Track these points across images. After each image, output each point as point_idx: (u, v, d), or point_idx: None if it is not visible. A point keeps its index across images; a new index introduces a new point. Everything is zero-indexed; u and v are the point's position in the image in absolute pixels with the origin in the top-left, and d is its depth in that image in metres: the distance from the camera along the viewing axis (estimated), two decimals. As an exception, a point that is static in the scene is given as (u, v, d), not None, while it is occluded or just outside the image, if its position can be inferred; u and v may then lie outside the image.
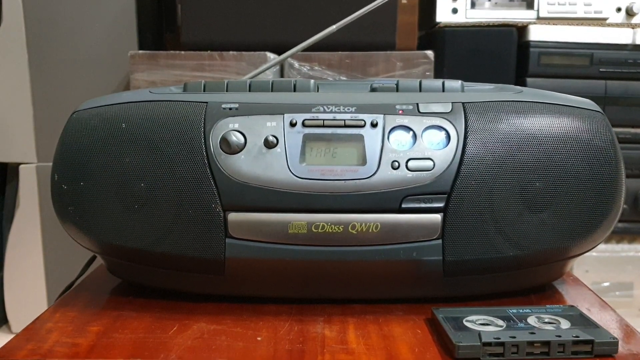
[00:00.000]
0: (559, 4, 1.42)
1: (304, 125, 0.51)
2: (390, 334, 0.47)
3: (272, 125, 0.51)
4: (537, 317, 0.47)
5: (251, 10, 1.28)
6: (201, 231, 0.50)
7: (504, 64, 1.42)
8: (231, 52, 1.25)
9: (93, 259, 0.64)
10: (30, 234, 1.46)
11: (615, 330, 0.47)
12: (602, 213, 0.51)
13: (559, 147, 0.50)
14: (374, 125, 0.50)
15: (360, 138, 0.50)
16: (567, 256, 0.53)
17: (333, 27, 0.73)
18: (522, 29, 1.44)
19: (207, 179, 0.49)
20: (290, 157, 0.50)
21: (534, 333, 0.43)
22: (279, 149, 0.50)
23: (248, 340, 0.46)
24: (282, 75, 1.29)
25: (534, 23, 1.43)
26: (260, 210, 0.49)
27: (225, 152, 0.50)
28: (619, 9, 1.45)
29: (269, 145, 0.50)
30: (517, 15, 1.44)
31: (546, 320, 0.46)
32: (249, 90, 0.55)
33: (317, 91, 0.57)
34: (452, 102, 0.52)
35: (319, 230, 0.49)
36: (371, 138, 0.50)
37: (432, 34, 1.49)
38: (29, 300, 1.48)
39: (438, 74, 1.35)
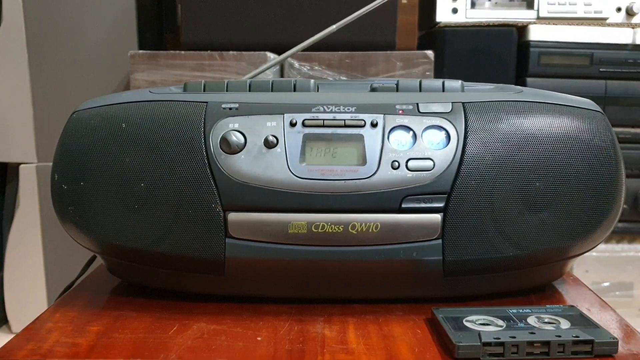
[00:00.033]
0: (559, 4, 1.42)
1: (304, 125, 0.51)
2: (390, 334, 0.47)
3: (272, 125, 0.51)
4: (537, 317, 0.47)
5: (251, 10, 1.28)
6: (201, 231, 0.50)
7: (504, 64, 1.42)
8: (231, 52, 1.25)
9: (93, 259, 0.64)
10: (30, 234, 1.46)
11: (615, 330, 0.47)
12: (602, 213, 0.51)
13: (559, 147, 0.50)
14: (374, 125, 0.50)
15: (360, 138, 0.50)
16: (567, 256, 0.53)
17: (333, 27, 0.73)
18: (522, 29, 1.44)
19: (207, 179, 0.49)
20: (290, 157, 0.50)
21: (534, 333, 0.43)
22: (279, 149, 0.50)
23: (248, 340, 0.46)
24: (282, 75, 1.29)
25: (534, 23, 1.43)
26: (260, 210, 0.49)
27: (225, 152, 0.50)
28: (619, 9, 1.45)
29: (269, 145, 0.50)
30: (517, 15, 1.44)
31: (546, 320, 0.46)
32: (249, 90, 0.55)
33: (317, 91, 0.57)
34: (452, 102, 0.52)
35: (319, 230, 0.49)
36: (371, 138, 0.50)
37: (432, 33, 1.49)
38: (29, 300, 1.48)
39: (438, 74, 1.35)
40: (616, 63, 1.42)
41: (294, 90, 0.56)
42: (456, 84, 0.56)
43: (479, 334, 0.43)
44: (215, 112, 0.51)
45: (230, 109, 0.51)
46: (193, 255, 0.50)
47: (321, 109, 0.51)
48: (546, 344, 0.42)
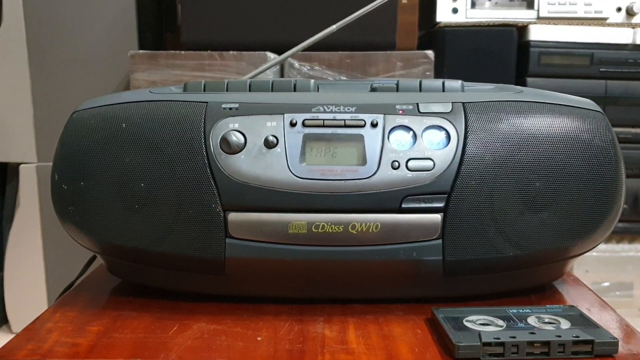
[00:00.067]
0: (559, 4, 1.42)
1: (304, 125, 0.51)
2: (390, 333, 0.47)
3: (272, 125, 0.51)
4: (537, 317, 0.47)
5: (251, 10, 1.28)
6: (201, 231, 0.50)
7: (504, 64, 1.42)
8: (231, 52, 1.25)
9: (93, 259, 0.64)
10: (30, 234, 1.46)
11: (615, 330, 0.47)
12: (602, 213, 0.51)
13: (559, 147, 0.50)
14: (374, 125, 0.50)
15: (360, 138, 0.50)
16: (567, 256, 0.53)
17: (333, 27, 0.73)
18: (522, 29, 1.44)
19: (207, 179, 0.49)
20: (291, 157, 0.50)
21: (534, 333, 0.43)
22: (279, 149, 0.50)
23: (248, 340, 0.46)
24: (282, 75, 1.29)
25: (534, 23, 1.43)
26: (261, 210, 0.49)
27: (226, 152, 0.50)
28: (619, 9, 1.45)
29: (269, 145, 0.50)
30: (517, 15, 1.44)
31: (546, 320, 0.46)
32: (249, 90, 0.55)
33: (317, 91, 0.57)
34: (452, 102, 0.52)
35: (319, 230, 0.49)
36: (371, 138, 0.50)
37: (432, 33, 1.49)
38: (29, 300, 1.48)
39: (438, 74, 1.35)
40: (616, 63, 1.42)
41: (294, 90, 0.56)
42: (456, 84, 0.56)
43: (479, 334, 0.43)
44: (216, 112, 0.51)
45: (230, 109, 0.51)
46: (193, 255, 0.50)
47: (321, 109, 0.51)
48: (546, 344, 0.42)
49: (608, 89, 1.42)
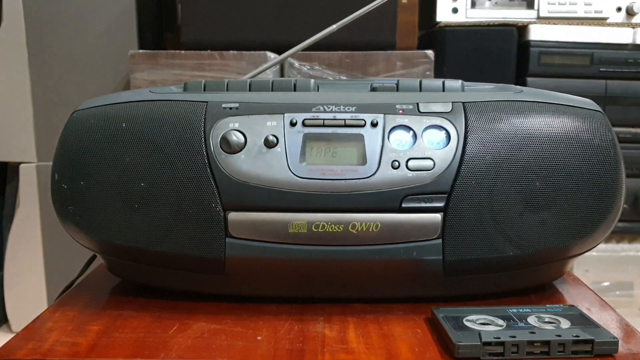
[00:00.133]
0: (559, 4, 1.42)
1: (304, 124, 0.51)
2: (390, 333, 0.47)
3: (272, 125, 0.51)
4: (537, 317, 0.47)
5: (251, 9, 1.28)
6: (201, 230, 0.50)
7: (504, 64, 1.42)
8: (231, 52, 1.25)
9: (93, 258, 0.64)
10: (30, 234, 1.46)
11: (615, 330, 0.47)
12: (602, 212, 0.51)
13: (559, 146, 0.50)
14: (374, 124, 0.50)
15: (360, 138, 0.50)
16: (567, 256, 0.53)
17: (333, 27, 0.73)
18: (522, 29, 1.44)
19: (207, 178, 0.49)
20: (291, 156, 0.50)
21: (534, 333, 0.43)
22: (279, 149, 0.50)
23: (248, 340, 0.46)
24: (282, 75, 1.29)
25: (534, 23, 1.43)
26: (261, 209, 0.49)
27: (226, 152, 0.50)
28: (619, 9, 1.45)
29: (269, 144, 0.50)
30: (517, 14, 1.44)
31: (546, 319, 0.46)
32: (249, 90, 0.55)
33: (317, 91, 0.57)
34: (452, 102, 0.52)
35: (319, 230, 0.49)
36: (371, 138, 0.50)
37: (432, 33, 1.49)
38: (29, 299, 1.48)
39: (438, 74, 1.35)
40: (616, 63, 1.42)
41: (294, 90, 0.56)
42: (456, 83, 0.56)
43: (479, 333, 0.43)
44: (216, 111, 0.51)
45: (230, 108, 0.51)
46: (193, 254, 0.50)
47: (321, 108, 0.51)
48: (546, 343, 0.42)
49: (608, 88, 1.42)
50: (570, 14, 1.43)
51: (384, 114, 0.51)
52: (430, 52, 1.28)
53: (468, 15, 1.44)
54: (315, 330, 0.48)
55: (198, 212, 0.49)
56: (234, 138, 0.50)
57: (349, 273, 0.51)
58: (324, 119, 0.51)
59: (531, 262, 0.52)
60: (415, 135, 0.50)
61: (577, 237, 0.51)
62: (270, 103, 0.52)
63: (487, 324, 0.46)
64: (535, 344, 0.42)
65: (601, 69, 1.42)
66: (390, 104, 0.52)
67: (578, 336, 0.43)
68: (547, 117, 0.51)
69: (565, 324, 0.46)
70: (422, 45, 1.45)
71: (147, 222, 0.50)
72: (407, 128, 0.51)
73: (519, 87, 0.57)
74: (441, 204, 0.49)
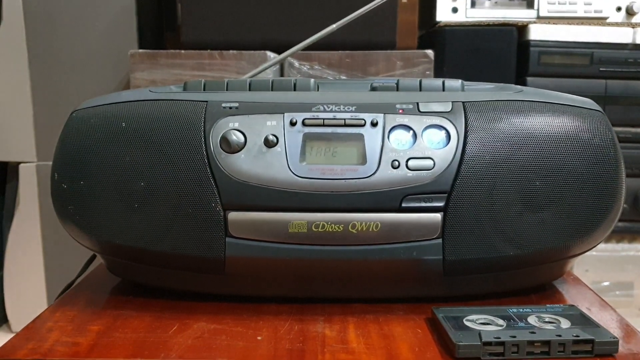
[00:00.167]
0: (559, 4, 1.42)
1: (304, 124, 0.51)
2: (391, 333, 0.47)
3: (272, 125, 0.51)
4: (537, 317, 0.47)
5: (251, 9, 1.28)
6: (201, 230, 0.50)
7: (504, 63, 1.42)
8: (231, 51, 1.25)
9: (93, 258, 0.64)
10: (30, 233, 1.46)
11: (615, 330, 0.47)
12: (603, 212, 0.51)
13: (559, 146, 0.50)
14: (374, 124, 0.50)
15: (360, 137, 0.50)
16: (567, 255, 0.53)
17: (333, 26, 0.73)
18: (522, 28, 1.44)
19: (207, 178, 0.49)
20: (291, 156, 0.50)
21: (535, 332, 0.43)
22: (279, 148, 0.50)
23: (248, 340, 0.46)
24: (282, 75, 1.29)
25: (534, 22, 1.43)
26: (261, 209, 0.49)
27: (225, 151, 0.50)
28: (619, 8, 1.45)
29: (269, 144, 0.50)
30: (517, 14, 1.44)
31: (546, 319, 0.46)
32: (249, 90, 0.55)
33: (317, 90, 0.57)
34: (452, 102, 0.52)
35: (319, 230, 0.49)
36: (371, 137, 0.50)
37: (432, 33, 1.49)
38: (29, 299, 1.48)
39: (438, 73, 1.35)
40: (616, 62, 1.42)
41: (294, 90, 0.56)
42: (456, 83, 0.56)
43: (479, 333, 0.43)
44: (215, 111, 0.51)
45: (230, 108, 0.51)
46: (193, 254, 0.50)
47: (321, 108, 0.51)
48: (546, 343, 0.42)
49: (608, 88, 1.42)
50: (570, 14, 1.43)
51: (384, 113, 0.51)
52: (430, 52, 1.28)
53: (468, 15, 1.44)
54: (315, 330, 0.48)
55: (198, 211, 0.49)
56: (234, 138, 0.50)
57: (349, 273, 0.51)
58: (324, 119, 0.51)
59: (531, 262, 0.52)
60: (415, 135, 0.50)
61: (577, 236, 0.51)
62: (270, 103, 0.52)
63: (488, 323, 0.46)
64: (535, 344, 0.42)
65: (601, 69, 1.42)
66: (390, 104, 0.52)
67: (578, 336, 0.43)
68: (547, 117, 0.51)
69: (565, 323, 0.46)
70: (422, 45, 1.45)
71: (147, 222, 0.50)
72: (407, 128, 0.50)
73: (519, 86, 0.57)
74: (441, 204, 0.49)
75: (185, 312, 0.51)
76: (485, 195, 0.49)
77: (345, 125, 0.51)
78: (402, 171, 0.49)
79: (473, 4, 1.44)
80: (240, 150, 0.50)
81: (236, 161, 0.50)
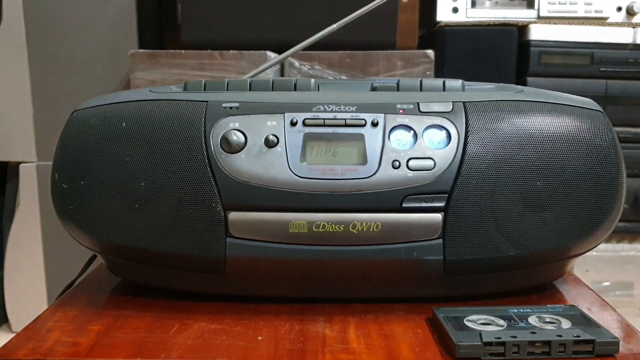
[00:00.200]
0: (559, 4, 1.42)
1: (304, 124, 0.51)
2: (391, 333, 0.47)
3: (272, 125, 0.51)
4: (538, 317, 0.47)
5: (251, 9, 1.28)
6: (202, 230, 0.50)
7: (505, 63, 1.42)
8: (231, 51, 1.25)
9: (93, 258, 0.64)
10: (30, 234, 1.46)
11: (616, 330, 0.47)
12: (603, 212, 0.51)
13: (559, 146, 0.50)
14: (374, 124, 0.50)
15: (360, 137, 0.50)
16: (567, 256, 0.53)
17: (333, 26, 0.73)
18: (522, 28, 1.44)
19: (208, 178, 0.49)
20: (291, 156, 0.50)
21: (535, 333, 0.43)
22: (279, 148, 0.50)
23: (249, 340, 0.46)
24: (282, 75, 1.29)
25: (535, 22, 1.43)
26: (261, 209, 0.49)
27: (226, 151, 0.50)
28: (619, 9, 1.45)
29: (269, 144, 0.50)
30: (517, 14, 1.44)
31: (547, 319, 0.46)
32: (250, 90, 0.55)
33: (318, 90, 0.57)
34: (452, 102, 0.52)
35: (320, 230, 0.49)
36: (372, 137, 0.50)
37: (432, 33, 1.49)
38: (29, 299, 1.48)
39: (438, 73, 1.35)
40: (617, 62, 1.42)
41: (295, 90, 0.56)
42: (457, 83, 0.55)
43: (479, 333, 0.43)
44: (216, 111, 0.51)
45: (230, 108, 0.51)
46: (193, 254, 0.50)
47: (322, 108, 0.51)
48: (547, 343, 0.42)
49: (608, 88, 1.42)
50: (571, 14, 1.43)
51: (385, 113, 0.51)
52: (430, 52, 1.28)
53: (468, 15, 1.44)
54: (315, 330, 0.48)
55: (198, 211, 0.49)
56: (234, 138, 0.50)
57: (349, 273, 0.51)
58: (324, 119, 0.51)
59: (532, 262, 0.52)
60: (415, 135, 0.50)
61: (577, 237, 0.51)
62: (270, 103, 0.52)
63: (488, 324, 0.46)
64: (536, 344, 0.42)
65: (601, 69, 1.42)
66: (391, 104, 0.52)
67: (579, 336, 0.43)
68: (547, 117, 0.51)
69: (566, 324, 0.46)
70: (422, 45, 1.45)
71: (148, 222, 0.50)
72: (408, 128, 0.50)
73: (519, 86, 0.57)
74: (442, 204, 0.49)
75: (186, 312, 0.51)
76: (486, 196, 0.49)
77: (346, 125, 0.51)
78: (403, 171, 0.49)
79: (473, 4, 1.44)
80: (241, 150, 0.50)
81: (236, 161, 0.50)
